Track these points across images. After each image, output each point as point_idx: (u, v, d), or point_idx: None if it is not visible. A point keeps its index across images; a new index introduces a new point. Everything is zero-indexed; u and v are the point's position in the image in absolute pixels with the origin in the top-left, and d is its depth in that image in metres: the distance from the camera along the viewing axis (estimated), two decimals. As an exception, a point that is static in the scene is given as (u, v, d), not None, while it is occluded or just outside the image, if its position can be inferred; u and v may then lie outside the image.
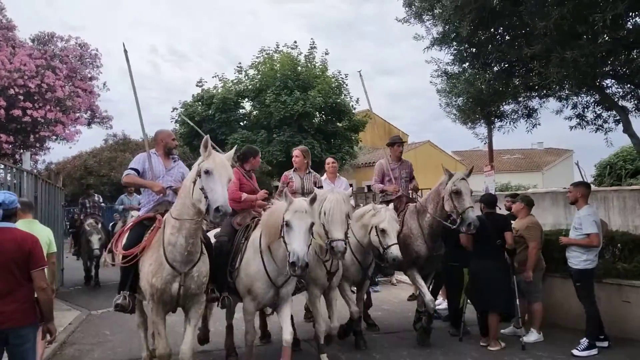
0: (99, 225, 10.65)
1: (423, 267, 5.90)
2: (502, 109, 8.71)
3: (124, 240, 4.55)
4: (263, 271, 4.51)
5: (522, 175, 32.13)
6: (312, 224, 4.17)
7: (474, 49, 7.96)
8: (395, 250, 5.04)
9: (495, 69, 7.83)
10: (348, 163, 20.61)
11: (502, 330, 6.13)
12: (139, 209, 9.35)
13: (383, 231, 5.09)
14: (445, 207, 5.55)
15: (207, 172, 3.64)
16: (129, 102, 61.74)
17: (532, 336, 6.00)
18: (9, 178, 7.86)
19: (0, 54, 11.59)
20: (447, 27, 7.17)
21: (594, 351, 5.40)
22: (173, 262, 3.95)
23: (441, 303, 7.44)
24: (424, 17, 8.05)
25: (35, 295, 3.38)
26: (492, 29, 7.34)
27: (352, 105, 18.98)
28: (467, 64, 8.03)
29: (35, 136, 12.75)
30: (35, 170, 11.04)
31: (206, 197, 3.57)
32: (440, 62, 8.34)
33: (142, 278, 4.17)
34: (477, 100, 8.06)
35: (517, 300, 5.81)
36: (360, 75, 7.49)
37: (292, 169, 6.30)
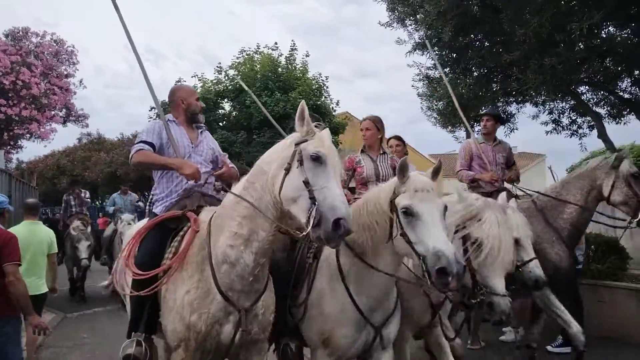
0: (88, 229, 9.03)
1: (561, 286, 4.21)
2: (480, 113, 8.91)
3: (136, 253, 2.93)
4: (350, 308, 2.78)
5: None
6: (446, 208, 2.60)
7: (454, 54, 8.14)
8: (536, 268, 3.38)
9: (475, 74, 8.03)
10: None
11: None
12: (138, 211, 8.63)
13: (516, 241, 3.30)
14: (613, 197, 4.21)
15: (316, 159, 2.28)
16: (104, 100, 60.72)
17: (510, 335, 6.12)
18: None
19: (-28, 49, 11.20)
20: (430, 32, 7.30)
21: (567, 348, 5.51)
22: (228, 292, 2.51)
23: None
24: (406, 21, 8.21)
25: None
26: (473, 35, 7.54)
27: (332, 108, 19.05)
28: (448, 68, 8.20)
29: (9, 134, 12.38)
30: (8, 169, 10.69)
31: (312, 199, 2.19)
32: (422, 67, 8.51)
33: (168, 313, 2.63)
34: (458, 105, 8.20)
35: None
36: None
37: (360, 150, 4.39)
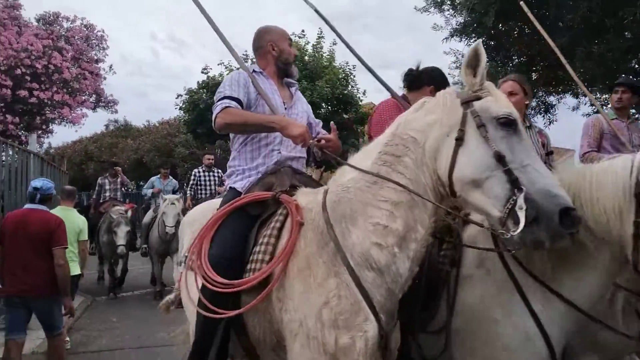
0: (128, 214, 8.08)
1: None
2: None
3: (212, 249, 2.08)
4: (538, 340, 1.81)
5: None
6: None
7: (491, 42, 7.86)
8: None
9: (516, 61, 7.74)
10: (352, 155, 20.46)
11: None
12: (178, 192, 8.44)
13: None
14: None
15: (507, 124, 1.63)
16: (128, 88, 61.46)
17: None
18: (16, 158, 7.71)
19: (6, 33, 11.34)
20: (470, 16, 7.04)
21: None
22: (380, 311, 1.73)
23: None
24: (444, 6, 7.95)
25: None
26: (515, 21, 7.24)
27: (359, 97, 18.83)
28: (488, 56, 7.91)
29: (41, 118, 12.55)
30: (40, 153, 10.83)
31: (513, 182, 1.53)
32: (459, 54, 8.24)
33: (291, 338, 1.76)
34: (496, 94, 7.93)
35: None
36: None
37: None
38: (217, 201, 2.57)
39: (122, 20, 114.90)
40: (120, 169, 9.26)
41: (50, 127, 13.87)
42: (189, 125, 18.97)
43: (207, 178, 8.30)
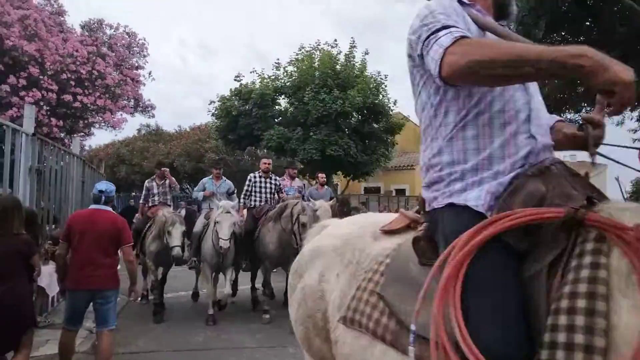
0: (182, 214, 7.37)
1: None
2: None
3: (482, 333, 1.13)
4: None
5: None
6: None
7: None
8: None
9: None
10: (382, 166, 20.41)
11: None
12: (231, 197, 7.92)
13: None
14: None
15: None
16: (156, 93, 62.80)
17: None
18: (61, 161, 7.93)
19: (53, 39, 11.74)
20: (518, 28, 6.97)
21: None
22: None
23: None
24: (488, 18, 7.89)
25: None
26: (564, 33, 7.15)
27: (390, 107, 18.80)
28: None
29: (84, 122, 12.90)
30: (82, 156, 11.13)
31: None
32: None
33: None
34: (539, 107, 7.82)
35: None
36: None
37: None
38: (378, 217, 1.89)
39: (150, 25, 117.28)
40: (167, 170, 8.08)
41: (92, 131, 14.26)
42: (220, 131, 19.29)
43: (264, 185, 7.70)
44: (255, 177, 7.67)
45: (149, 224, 7.14)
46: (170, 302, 8.35)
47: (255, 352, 5.64)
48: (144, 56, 14.33)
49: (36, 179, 6.26)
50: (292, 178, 8.55)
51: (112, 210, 4.37)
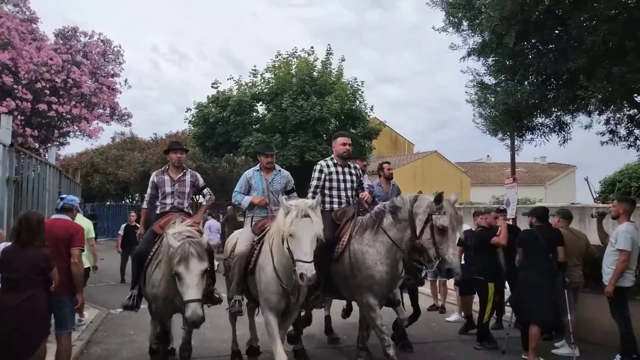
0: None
1: None
2: (534, 121, 8.75)
3: None
4: None
5: (525, 188, 32.31)
6: None
7: (510, 61, 8.02)
8: None
9: (534, 81, 7.88)
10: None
11: (554, 351, 6.12)
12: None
13: None
14: None
15: None
16: (128, 100, 61.57)
17: (564, 349, 6.02)
18: (36, 171, 7.84)
19: (27, 47, 11.52)
20: (490, 37, 7.21)
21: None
22: None
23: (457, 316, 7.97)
24: (461, 27, 8.13)
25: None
26: (534, 41, 7.42)
27: (367, 113, 19.05)
28: (505, 75, 8.08)
29: (59, 131, 12.67)
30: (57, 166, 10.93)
31: None
32: (477, 73, 8.40)
33: None
34: (513, 112, 8.09)
35: (570, 316, 5.76)
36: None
37: None
38: None
39: (122, 31, 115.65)
40: (183, 155, 5.51)
41: (67, 140, 14.01)
42: (198, 139, 19.17)
43: (343, 176, 5.27)
44: (328, 165, 5.22)
45: (155, 248, 4.65)
46: (145, 312, 8.24)
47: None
48: (120, 63, 14.20)
49: (14, 190, 6.20)
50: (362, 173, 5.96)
51: (68, 218, 4.64)
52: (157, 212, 5.25)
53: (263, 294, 4.38)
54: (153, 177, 5.36)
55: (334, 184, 5.23)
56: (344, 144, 5.29)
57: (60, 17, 65.13)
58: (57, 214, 4.66)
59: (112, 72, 13.92)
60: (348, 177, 5.29)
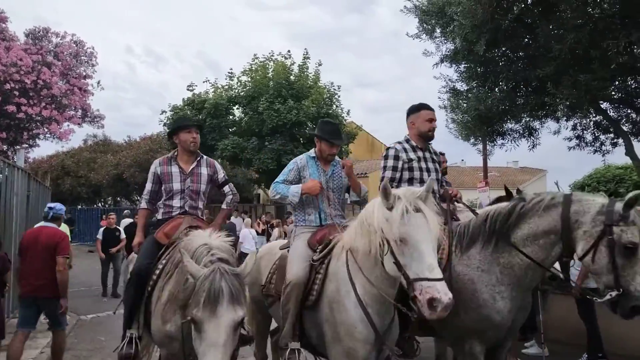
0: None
1: None
2: (505, 127, 9.00)
3: None
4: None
5: (498, 192, 32.82)
6: None
7: (481, 68, 8.23)
8: None
9: (504, 87, 8.10)
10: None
11: (524, 351, 6.24)
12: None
13: None
14: None
15: None
16: (102, 102, 60.40)
17: (534, 349, 6.15)
18: (4, 174, 7.61)
19: (-5, 47, 11.23)
20: (462, 44, 7.39)
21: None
22: None
23: None
24: (434, 34, 8.31)
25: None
26: (505, 49, 7.63)
27: (343, 117, 19.17)
28: (476, 82, 8.28)
29: (29, 133, 12.35)
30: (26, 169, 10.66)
31: None
32: (449, 79, 8.59)
33: None
34: (484, 118, 8.30)
35: (540, 317, 5.87)
36: None
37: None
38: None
39: (96, 32, 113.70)
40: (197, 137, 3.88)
41: (36, 142, 13.68)
42: (173, 142, 18.98)
43: (425, 162, 3.65)
44: (406, 150, 3.58)
45: (163, 263, 3.21)
46: (116, 318, 8.14)
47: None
48: (92, 65, 13.96)
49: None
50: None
51: (56, 226, 4.84)
52: (159, 217, 3.71)
53: (342, 343, 2.79)
54: (155, 167, 3.72)
55: (416, 174, 3.53)
56: (431, 120, 3.59)
57: (33, 17, 63.56)
58: (44, 222, 4.85)
59: (84, 73, 13.65)
60: (431, 165, 3.62)
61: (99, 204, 28.32)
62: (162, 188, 3.71)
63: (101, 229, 10.40)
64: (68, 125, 13.47)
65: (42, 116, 12.06)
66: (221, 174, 3.86)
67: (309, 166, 3.61)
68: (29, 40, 12.93)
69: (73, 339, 7.02)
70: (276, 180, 3.62)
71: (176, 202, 3.65)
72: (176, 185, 3.65)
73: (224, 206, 3.96)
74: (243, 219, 16.38)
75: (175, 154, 3.76)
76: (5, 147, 12.04)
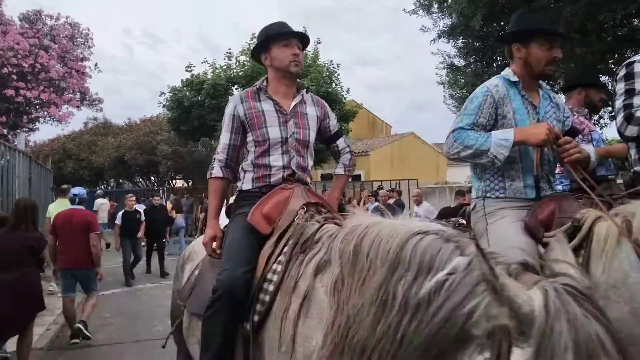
0: None
1: None
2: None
3: None
4: None
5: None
6: None
7: (478, 43, 8.18)
8: None
9: (502, 62, 8.07)
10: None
11: None
12: None
13: None
14: None
15: None
16: (101, 85, 59.89)
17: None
18: (5, 158, 7.71)
19: (-9, 31, 11.17)
20: (458, 19, 7.34)
21: None
22: None
23: None
24: (432, 9, 8.24)
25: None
26: (502, 23, 7.57)
27: (343, 95, 19.08)
28: (474, 57, 8.25)
29: (28, 117, 12.37)
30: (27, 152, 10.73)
31: None
32: (447, 55, 8.56)
33: None
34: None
35: None
36: None
37: None
38: None
39: (93, 14, 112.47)
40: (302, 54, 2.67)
41: (36, 126, 13.70)
42: (173, 123, 18.96)
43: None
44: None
45: (278, 271, 1.82)
46: (124, 295, 8.30)
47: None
48: (89, 47, 13.86)
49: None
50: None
51: (84, 208, 5.80)
52: (246, 186, 2.28)
53: None
54: (235, 105, 2.30)
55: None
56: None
57: (27, 1, 62.74)
58: (73, 205, 5.71)
59: (81, 56, 13.58)
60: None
61: (102, 187, 28.47)
62: (249, 138, 2.27)
63: (120, 212, 9.08)
64: (67, 108, 13.48)
65: (40, 99, 12.07)
66: (333, 120, 2.49)
67: (510, 98, 2.15)
68: (24, 24, 12.85)
69: (79, 316, 7.20)
70: (456, 126, 2.11)
71: (276, 160, 2.23)
72: (274, 132, 2.23)
73: (340, 171, 2.53)
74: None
75: (264, 82, 2.35)
76: (5, 131, 12.10)
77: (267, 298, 1.77)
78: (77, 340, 5.37)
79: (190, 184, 25.38)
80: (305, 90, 2.40)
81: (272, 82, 2.34)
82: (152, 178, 27.69)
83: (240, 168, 2.33)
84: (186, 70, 19.10)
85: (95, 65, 14.12)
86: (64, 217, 5.57)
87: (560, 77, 6.95)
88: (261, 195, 2.13)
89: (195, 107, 17.94)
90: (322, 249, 1.67)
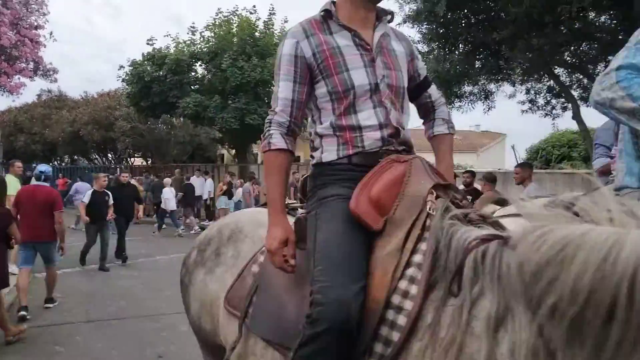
0: None
1: None
2: (462, 89, 9.21)
3: None
4: None
5: (459, 155, 33.69)
6: None
7: (442, 30, 8.32)
8: None
9: (463, 50, 8.26)
10: (302, 135, 20.73)
11: None
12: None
13: None
14: None
15: None
16: (58, 56, 57.10)
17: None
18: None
19: None
20: (423, 4, 7.42)
21: None
22: None
23: None
24: (399, -7, 8.31)
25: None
26: (466, 10, 7.72)
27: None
28: (437, 43, 8.39)
29: (-24, 86, 11.70)
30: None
31: None
32: (411, 40, 8.64)
33: None
34: (443, 80, 8.46)
35: None
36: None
37: None
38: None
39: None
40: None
41: (-16, 96, 12.97)
42: (132, 99, 18.40)
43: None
44: None
45: (411, 293, 1.23)
46: (76, 275, 8.07)
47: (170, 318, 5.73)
48: (44, 14, 13.15)
49: None
50: None
51: (48, 185, 5.95)
52: (328, 157, 1.57)
53: None
54: (297, 41, 1.55)
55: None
56: None
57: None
58: (37, 182, 5.85)
59: (35, 23, 12.89)
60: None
61: (55, 163, 27.42)
62: (321, 90, 1.56)
63: (89, 191, 8.66)
64: (19, 79, 12.79)
65: (-10, 68, 11.42)
66: (422, 62, 1.82)
67: None
68: (-29, -13, 12.07)
69: (28, 296, 6.97)
70: (624, 61, 1.46)
71: (367, 117, 1.54)
72: (359, 76, 1.54)
73: (441, 129, 1.79)
74: (205, 180, 16.23)
75: (333, 8, 1.60)
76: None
77: (396, 336, 1.17)
78: (49, 305, 5.92)
79: (149, 162, 24.80)
80: (390, 16, 1.67)
81: (344, 6, 1.58)
82: (110, 155, 26.88)
83: (313, 133, 1.61)
84: (147, 44, 18.54)
85: (51, 34, 13.44)
86: (26, 192, 5.76)
87: (516, 67, 7.21)
88: (353, 168, 1.48)
89: (157, 82, 17.47)
90: (492, 288, 1.04)
